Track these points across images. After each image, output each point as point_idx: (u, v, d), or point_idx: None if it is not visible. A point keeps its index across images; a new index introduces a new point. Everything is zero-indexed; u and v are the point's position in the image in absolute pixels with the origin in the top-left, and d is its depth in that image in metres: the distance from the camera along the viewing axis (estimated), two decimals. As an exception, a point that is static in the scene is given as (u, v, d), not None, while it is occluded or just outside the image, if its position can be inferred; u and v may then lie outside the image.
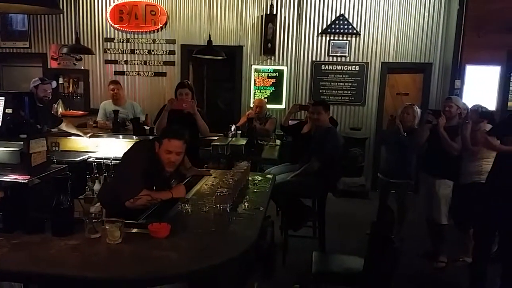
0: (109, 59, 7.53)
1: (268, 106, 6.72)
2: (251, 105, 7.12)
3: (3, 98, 3.48)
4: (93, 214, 2.17)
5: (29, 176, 3.43)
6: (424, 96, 7.11)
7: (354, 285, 2.98)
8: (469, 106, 4.61)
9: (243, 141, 4.90)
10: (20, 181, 3.36)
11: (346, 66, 7.18)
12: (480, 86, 6.43)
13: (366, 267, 2.79)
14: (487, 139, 3.71)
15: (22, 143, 3.45)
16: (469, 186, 4.24)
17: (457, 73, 6.56)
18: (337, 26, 7.09)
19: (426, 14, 6.97)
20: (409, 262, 4.35)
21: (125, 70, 7.53)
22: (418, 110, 4.79)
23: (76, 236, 2.17)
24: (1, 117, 3.44)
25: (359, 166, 7.00)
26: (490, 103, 6.00)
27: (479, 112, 4.34)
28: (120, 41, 7.47)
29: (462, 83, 6.50)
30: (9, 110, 3.43)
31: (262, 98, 7.09)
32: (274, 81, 7.31)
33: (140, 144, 3.13)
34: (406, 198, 4.87)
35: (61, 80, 7.64)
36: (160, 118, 4.25)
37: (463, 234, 4.46)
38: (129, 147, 3.00)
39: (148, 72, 7.51)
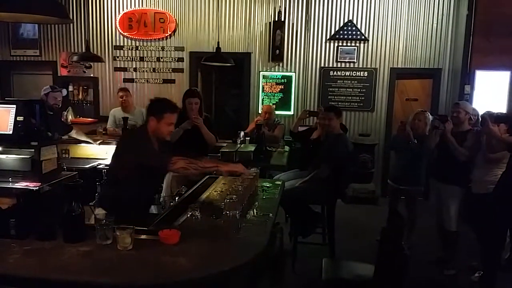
0: (118, 66, 7.60)
1: (277, 112, 6.74)
2: (260, 112, 7.13)
3: (14, 106, 3.52)
4: (104, 221, 2.18)
5: (40, 183, 3.47)
6: (433, 102, 7.08)
7: (365, 292, 2.96)
8: (480, 111, 4.55)
9: (251, 148, 4.91)
10: (32, 188, 3.39)
11: (355, 72, 7.18)
12: (490, 92, 6.40)
13: (376, 273, 2.78)
14: (490, 129, 3.64)
15: (33, 150, 3.49)
16: (484, 196, 3.99)
17: (467, 79, 6.53)
18: (345, 32, 7.10)
19: (435, 19, 6.95)
20: (419, 269, 4.31)
21: (134, 77, 7.59)
22: (430, 117, 4.75)
23: (87, 242, 2.18)
24: (12, 124, 3.48)
25: (369, 172, 6.97)
26: (501, 109, 5.95)
27: (494, 117, 4.25)
28: (129, 49, 7.53)
29: (472, 88, 6.46)
30: (20, 118, 3.46)
31: (271, 104, 7.09)
32: (282, 87, 7.33)
33: (133, 134, 3.40)
34: (416, 204, 4.84)
35: (71, 88, 7.73)
36: (173, 133, 4.15)
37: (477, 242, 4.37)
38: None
39: (157, 79, 7.56)
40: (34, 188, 3.36)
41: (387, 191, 5.58)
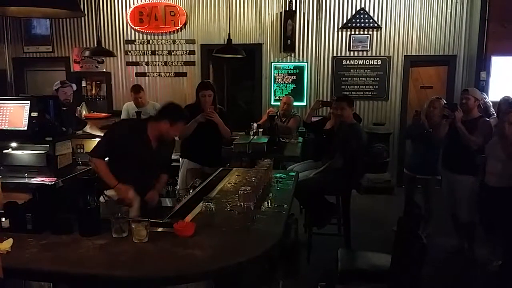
0: (130, 61, 7.61)
1: (289, 103, 6.70)
2: (272, 103, 7.12)
3: (29, 102, 3.55)
4: (119, 214, 2.19)
5: (55, 178, 3.51)
6: (448, 89, 6.97)
7: (382, 282, 2.93)
8: (497, 98, 4.46)
9: (265, 139, 4.90)
10: (47, 182, 3.43)
11: (368, 61, 7.09)
12: (507, 77, 6.27)
13: (393, 264, 2.75)
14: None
15: (48, 145, 3.52)
16: (504, 190, 3.76)
17: (483, 65, 6.41)
18: (358, 20, 7.01)
19: (449, 4, 6.82)
20: (436, 258, 4.27)
21: (146, 71, 7.60)
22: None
23: (103, 235, 2.19)
24: (27, 121, 3.51)
25: (384, 162, 6.90)
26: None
27: (509, 102, 4.14)
28: (140, 43, 7.54)
29: (488, 74, 6.35)
30: (34, 114, 3.49)
31: (289, 95, 7.01)
32: (294, 77, 7.27)
33: (132, 123, 3.43)
34: (433, 193, 4.78)
35: (84, 83, 7.78)
36: (188, 126, 3.93)
37: (493, 235, 4.28)
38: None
39: (169, 72, 7.56)
40: (50, 183, 3.39)
41: (402, 181, 5.51)
